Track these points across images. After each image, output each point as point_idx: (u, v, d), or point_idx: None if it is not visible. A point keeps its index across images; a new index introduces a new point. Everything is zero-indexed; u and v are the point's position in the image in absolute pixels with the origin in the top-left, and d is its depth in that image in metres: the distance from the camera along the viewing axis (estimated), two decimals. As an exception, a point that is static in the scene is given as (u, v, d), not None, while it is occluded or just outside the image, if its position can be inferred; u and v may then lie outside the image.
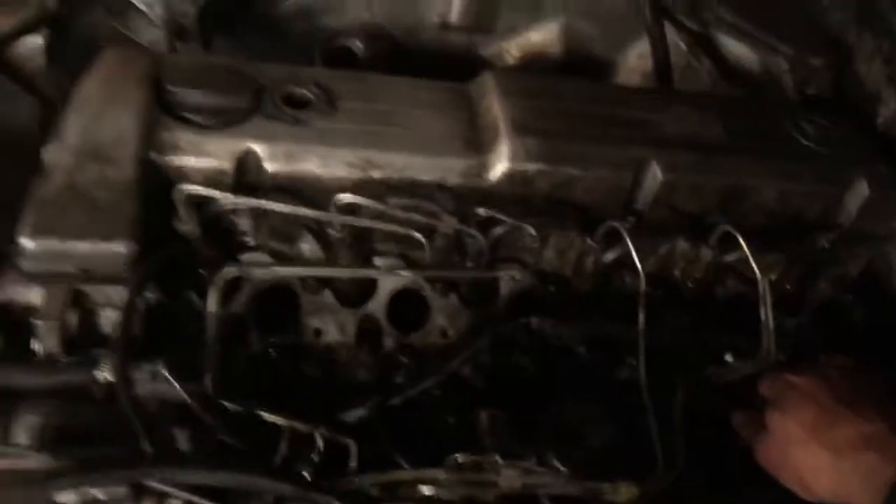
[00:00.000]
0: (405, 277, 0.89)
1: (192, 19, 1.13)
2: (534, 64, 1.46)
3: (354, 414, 0.81)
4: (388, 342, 0.90)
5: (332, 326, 0.89)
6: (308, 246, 0.89)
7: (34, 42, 1.26)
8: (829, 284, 1.02)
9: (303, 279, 0.88)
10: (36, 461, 0.63)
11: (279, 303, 0.90)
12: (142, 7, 1.12)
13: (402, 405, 0.85)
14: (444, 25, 1.36)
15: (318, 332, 0.89)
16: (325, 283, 0.89)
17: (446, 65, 1.42)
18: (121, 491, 0.60)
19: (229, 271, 0.78)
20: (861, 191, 0.98)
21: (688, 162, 0.93)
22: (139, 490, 0.61)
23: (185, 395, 0.65)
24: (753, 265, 0.86)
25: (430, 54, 1.41)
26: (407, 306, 0.92)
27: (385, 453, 0.78)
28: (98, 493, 0.59)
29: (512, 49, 1.44)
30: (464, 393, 0.91)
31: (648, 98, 1.03)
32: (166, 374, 0.65)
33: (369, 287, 0.90)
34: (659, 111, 0.97)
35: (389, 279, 0.90)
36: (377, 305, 0.90)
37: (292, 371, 0.89)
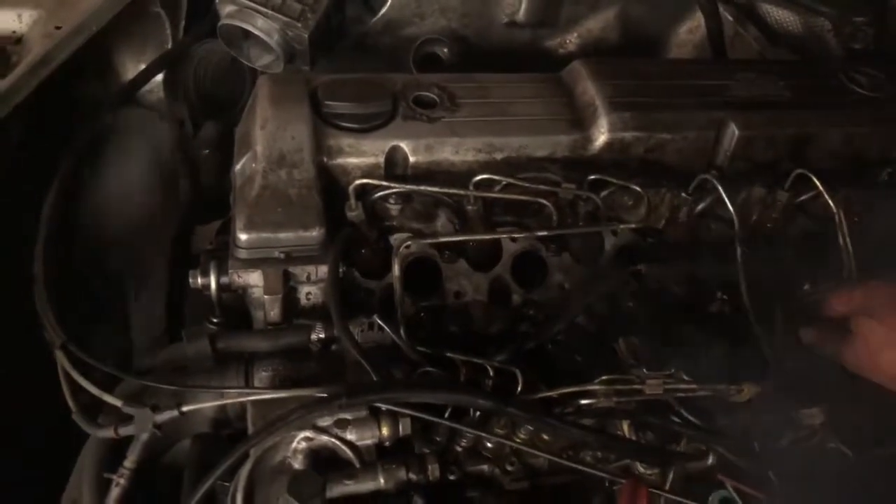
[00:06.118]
0: (526, 240, 1.03)
1: (304, 45, 1.29)
2: (592, 49, 1.61)
3: (498, 357, 0.94)
4: (516, 298, 1.03)
5: (468, 288, 1.03)
6: (441, 223, 1.05)
7: (155, 78, 1.44)
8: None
9: (441, 251, 1.03)
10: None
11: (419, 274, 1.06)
12: (262, 36, 1.27)
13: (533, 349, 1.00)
14: (512, 23, 1.48)
15: (457, 294, 1.03)
16: (460, 253, 1.03)
17: (512, 58, 1.58)
18: (362, 412, 0.77)
19: (409, 246, 0.93)
20: (915, 126, 1.11)
21: (760, 119, 1.06)
22: (375, 411, 0.77)
23: (397, 339, 0.82)
24: (829, 200, 0.99)
25: (499, 51, 1.56)
26: (527, 267, 1.06)
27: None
28: (346, 415, 0.76)
29: (572, 38, 1.56)
30: (580, 336, 1.06)
31: (716, 68, 1.18)
32: (381, 323, 0.82)
33: (496, 253, 1.04)
34: (728, 78, 1.10)
35: (512, 245, 1.05)
36: (503, 268, 1.04)
37: (438, 328, 1.04)
